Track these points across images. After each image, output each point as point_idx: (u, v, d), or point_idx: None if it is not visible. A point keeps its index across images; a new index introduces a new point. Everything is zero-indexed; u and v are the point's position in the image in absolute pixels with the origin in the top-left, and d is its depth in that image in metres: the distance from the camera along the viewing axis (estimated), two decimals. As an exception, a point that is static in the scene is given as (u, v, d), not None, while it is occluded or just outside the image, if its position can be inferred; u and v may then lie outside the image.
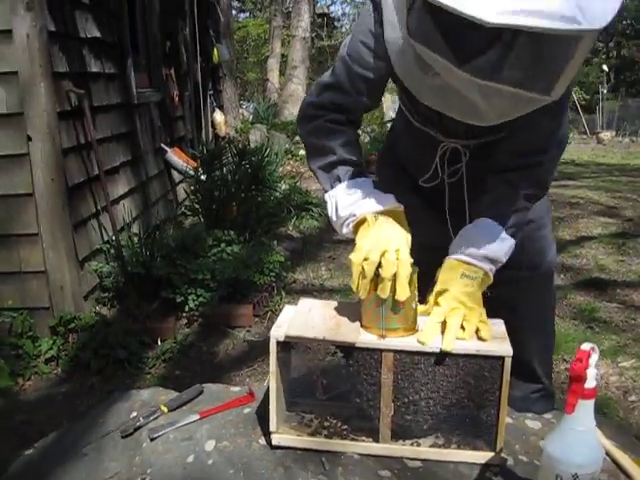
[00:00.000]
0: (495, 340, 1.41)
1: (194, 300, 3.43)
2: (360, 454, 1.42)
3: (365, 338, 1.39)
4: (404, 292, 1.34)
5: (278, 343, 1.42)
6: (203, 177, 4.78)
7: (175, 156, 5.69)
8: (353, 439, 1.44)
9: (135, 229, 4.28)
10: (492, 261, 1.48)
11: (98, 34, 4.03)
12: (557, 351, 3.02)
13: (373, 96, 1.59)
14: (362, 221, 1.45)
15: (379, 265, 1.34)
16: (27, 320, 3.27)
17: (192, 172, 5.08)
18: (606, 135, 14.16)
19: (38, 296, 3.34)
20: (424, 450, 1.41)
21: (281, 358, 1.44)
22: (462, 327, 1.39)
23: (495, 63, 1.15)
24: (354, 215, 1.46)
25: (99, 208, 3.83)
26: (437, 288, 1.45)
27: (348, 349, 1.40)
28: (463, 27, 1.08)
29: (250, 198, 4.56)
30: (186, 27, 6.77)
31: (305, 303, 1.60)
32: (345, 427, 1.47)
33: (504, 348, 1.36)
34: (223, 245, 3.81)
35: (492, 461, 1.37)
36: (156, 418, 1.63)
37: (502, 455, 1.38)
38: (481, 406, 1.39)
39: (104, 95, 4.14)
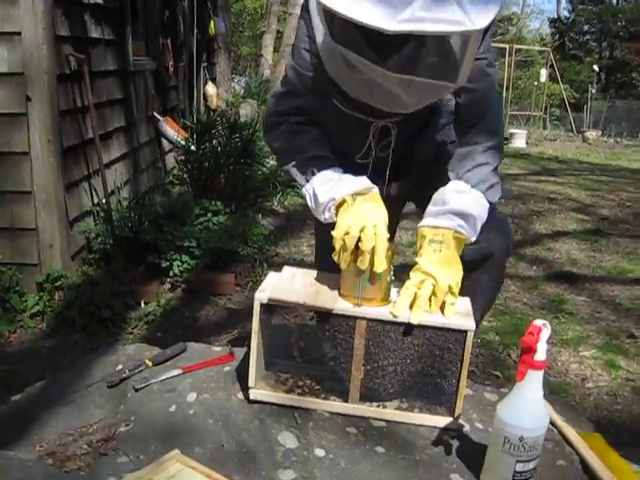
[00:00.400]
0: (460, 315, 1.54)
1: (179, 266, 3.53)
2: (330, 412, 1.55)
3: (342, 305, 1.51)
4: (381, 264, 1.45)
5: (261, 305, 1.54)
6: (193, 147, 4.86)
7: (167, 125, 5.76)
8: (325, 398, 1.57)
9: (124, 194, 4.36)
10: (460, 215, 1.54)
11: (100, 0, 4.09)
12: (513, 337, 3.17)
13: (323, 99, 1.74)
14: (341, 203, 1.56)
15: (359, 240, 1.47)
16: (15, 275, 3.36)
17: (183, 142, 5.16)
18: (592, 134, 14.31)
19: (27, 252, 3.42)
20: (389, 412, 1.54)
21: (263, 320, 1.56)
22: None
23: (409, 60, 1.34)
24: (333, 199, 1.56)
25: (91, 171, 3.92)
26: (417, 265, 1.54)
27: (325, 315, 1.52)
28: (376, 32, 1.24)
29: (238, 171, 4.65)
30: (185, -2, 6.81)
31: (288, 270, 1.72)
32: (318, 387, 1.59)
33: (468, 323, 1.49)
34: (209, 215, 3.91)
35: (450, 426, 1.50)
36: (141, 371, 1.74)
37: (460, 421, 1.51)
38: (443, 375, 1.52)
39: (102, 61, 4.21)
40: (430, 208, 1.59)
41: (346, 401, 1.55)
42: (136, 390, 1.65)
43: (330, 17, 1.35)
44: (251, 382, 1.56)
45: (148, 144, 5.42)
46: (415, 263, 1.55)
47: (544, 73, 16.91)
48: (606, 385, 2.81)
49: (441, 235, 1.54)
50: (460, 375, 1.49)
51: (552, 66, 17.10)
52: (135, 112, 4.99)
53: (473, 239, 1.58)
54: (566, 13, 29.11)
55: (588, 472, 1.42)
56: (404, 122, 1.79)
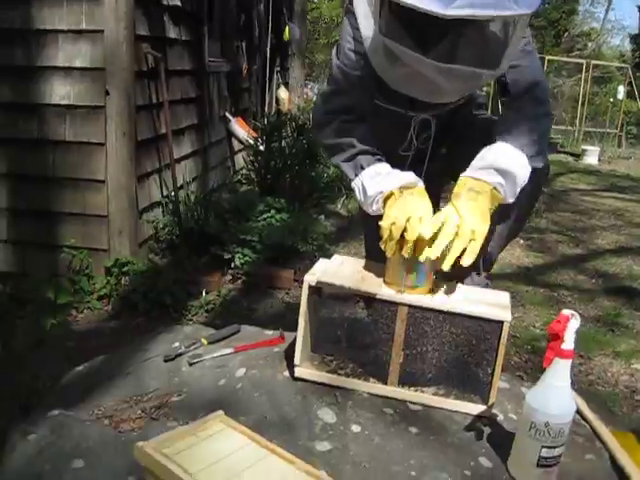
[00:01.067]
0: (498, 306, 1.60)
1: (240, 259, 3.67)
2: (369, 393, 1.63)
3: (385, 292, 1.60)
4: (423, 252, 1.53)
5: (310, 287, 1.64)
6: (262, 147, 5.00)
7: (237, 125, 5.93)
8: (365, 380, 1.65)
9: (193, 189, 4.53)
10: (502, 174, 1.59)
11: (178, 2, 4.28)
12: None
13: (368, 94, 1.83)
14: (389, 195, 1.66)
15: (404, 230, 1.55)
16: (86, 259, 3.56)
17: (252, 142, 5.31)
18: (670, 153, 13.90)
19: (98, 238, 3.62)
20: (426, 396, 1.61)
21: (311, 302, 1.65)
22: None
23: (451, 49, 1.42)
24: (381, 192, 1.67)
25: (162, 165, 4.10)
26: (449, 205, 1.59)
27: (369, 300, 1.61)
28: (423, 22, 1.35)
29: (304, 172, 4.77)
30: (261, 3, 6.98)
31: (338, 258, 1.82)
32: (360, 370, 1.68)
33: (504, 314, 1.55)
34: (273, 212, 4.04)
35: (484, 414, 1.56)
36: (196, 348, 1.86)
37: (493, 411, 1.57)
38: (479, 364, 1.58)
39: (178, 60, 4.39)
40: (475, 162, 1.63)
41: (385, 384, 1.63)
42: (190, 365, 1.76)
43: (379, 8, 1.45)
44: (297, 360, 1.65)
45: (219, 143, 5.60)
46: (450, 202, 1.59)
47: (621, 90, 16.53)
48: (656, 398, 2.80)
49: (480, 187, 1.58)
50: (495, 365, 1.55)
51: (630, 83, 16.71)
52: (208, 111, 5.17)
53: (510, 200, 1.62)
54: (649, 28, 28.29)
55: (617, 468, 1.45)
56: (443, 114, 1.88)
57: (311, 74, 18.93)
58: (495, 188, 1.59)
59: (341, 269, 1.73)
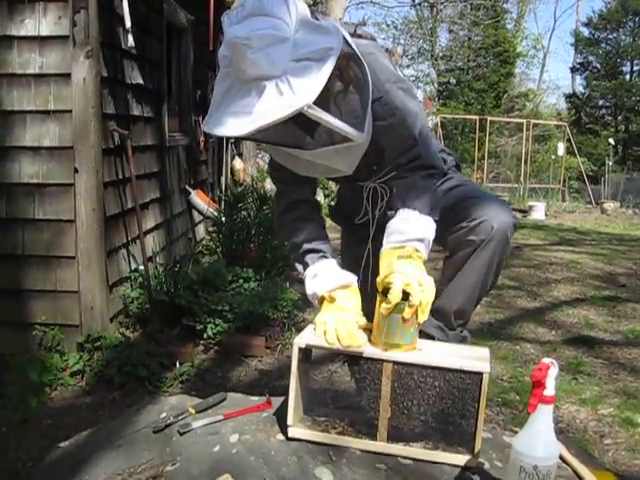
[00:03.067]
0: (477, 359, 1.71)
1: (212, 329, 3.71)
2: (361, 450, 1.70)
3: (371, 350, 1.69)
4: (425, 317, 1.68)
5: (300, 349, 1.72)
6: (224, 219, 5.10)
7: (198, 197, 6.04)
8: (357, 437, 1.72)
9: (159, 261, 4.59)
10: (418, 240, 1.78)
11: (141, 81, 4.42)
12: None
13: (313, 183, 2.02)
14: (321, 299, 1.83)
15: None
16: (57, 335, 3.56)
17: (214, 213, 5.42)
18: (610, 206, 14.46)
19: (69, 314, 3.63)
20: (415, 451, 1.69)
21: (300, 365, 1.74)
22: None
23: (297, 139, 1.57)
24: (315, 294, 1.84)
25: (130, 239, 4.16)
26: (382, 275, 1.72)
27: (356, 359, 1.70)
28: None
29: (268, 241, 4.87)
30: (215, 77, 7.18)
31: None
32: (350, 429, 1.75)
33: (483, 366, 1.66)
34: (241, 281, 4.12)
35: (470, 463, 1.65)
36: (184, 418, 1.90)
37: (480, 460, 1.66)
38: (463, 415, 1.68)
39: (142, 136, 4.51)
40: (390, 238, 1.82)
41: (375, 439, 1.70)
42: (181, 434, 1.80)
43: None
44: (290, 420, 1.72)
45: (180, 215, 5.69)
46: (389, 273, 1.69)
47: (561, 147, 17.20)
48: (624, 442, 2.91)
49: (406, 252, 1.74)
50: (477, 415, 1.65)
51: (569, 140, 17.42)
52: (169, 184, 5.27)
53: (426, 258, 1.78)
54: (581, 89, 29.67)
55: (602, 507, 1.55)
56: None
57: (260, 144, 19.21)
58: (416, 249, 1.75)
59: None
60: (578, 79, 30.26)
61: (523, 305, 5.20)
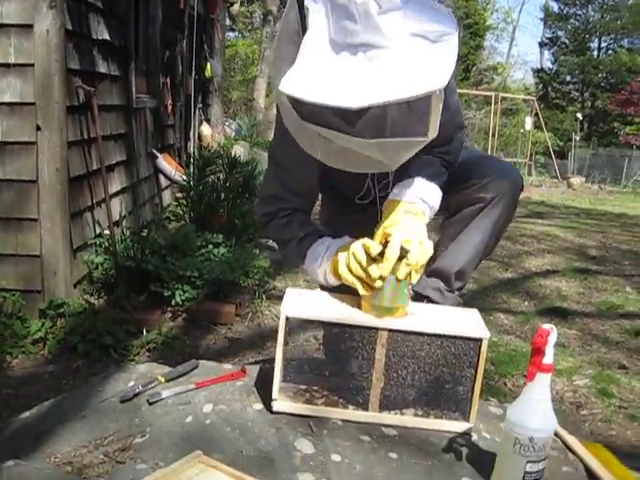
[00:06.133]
0: (474, 324, 1.63)
1: (181, 295, 3.59)
2: (343, 420, 1.61)
3: (364, 318, 1.60)
4: (417, 278, 1.60)
5: (287, 319, 1.62)
6: (192, 183, 4.95)
7: (165, 162, 5.87)
8: (344, 407, 1.63)
9: (125, 226, 4.43)
10: (426, 203, 1.73)
11: (107, 37, 4.22)
12: (517, 368, 3.25)
13: (309, 191, 1.89)
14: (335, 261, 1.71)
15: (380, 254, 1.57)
16: (18, 301, 3.40)
17: (181, 178, 5.26)
18: (576, 180, 14.59)
19: (31, 279, 3.47)
20: (407, 419, 1.61)
21: (287, 334, 1.63)
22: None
23: (375, 124, 1.40)
24: (325, 271, 1.75)
25: (95, 202, 4.00)
26: (385, 223, 1.66)
27: (348, 328, 1.60)
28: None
29: (238, 206, 4.75)
30: (184, 39, 6.98)
31: (303, 291, 1.81)
32: (336, 398, 1.66)
33: (482, 332, 1.58)
34: (211, 247, 3.99)
35: (466, 430, 1.58)
36: (154, 387, 1.79)
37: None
38: (459, 382, 1.60)
39: (108, 95, 4.32)
40: (404, 190, 1.75)
41: (366, 410, 1.62)
42: (150, 404, 1.69)
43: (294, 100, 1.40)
44: (275, 394, 1.62)
45: (147, 179, 5.52)
46: (392, 224, 1.65)
47: (529, 121, 17.28)
48: (600, 412, 2.88)
49: (414, 209, 1.70)
50: (475, 380, 1.57)
51: (537, 114, 17.48)
52: (136, 147, 5.09)
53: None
54: (549, 64, 29.83)
55: (593, 478, 1.49)
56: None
57: (228, 111, 18.97)
58: (423, 212, 1.71)
59: (312, 300, 1.73)
60: (546, 54, 30.44)
61: (495, 276, 5.16)
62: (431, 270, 1.92)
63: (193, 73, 7.34)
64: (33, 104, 3.33)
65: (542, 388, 1.35)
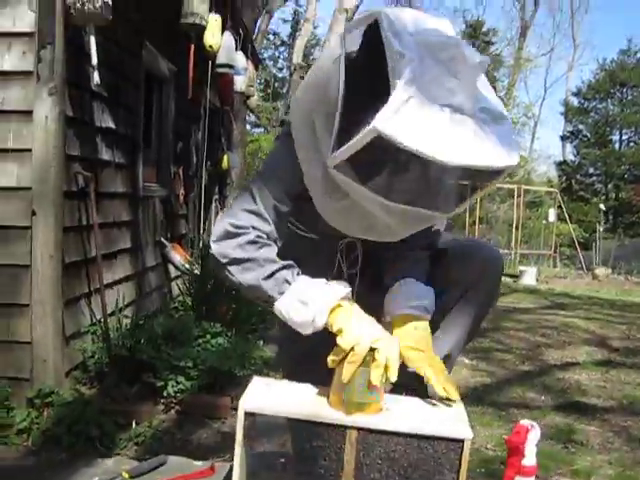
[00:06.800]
0: (455, 422, 1.47)
1: (174, 386, 3.43)
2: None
3: (331, 414, 1.44)
4: (395, 374, 1.46)
5: (246, 413, 1.47)
6: (197, 271, 4.86)
7: (174, 252, 5.81)
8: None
9: (127, 314, 4.31)
10: (428, 311, 1.71)
11: (112, 125, 4.24)
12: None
13: (281, 229, 1.71)
14: (336, 307, 1.53)
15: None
16: (5, 389, 3.27)
17: (187, 266, 5.18)
18: (602, 271, 14.33)
19: (20, 367, 3.34)
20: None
21: (247, 431, 1.48)
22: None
23: (417, 193, 1.40)
24: (329, 303, 1.53)
25: (92, 289, 3.91)
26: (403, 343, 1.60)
27: (314, 425, 1.45)
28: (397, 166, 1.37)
29: (241, 296, 4.63)
30: (199, 131, 7.06)
31: (268, 380, 1.66)
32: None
33: (464, 431, 1.41)
34: (209, 337, 3.86)
35: None
36: (117, 483, 1.65)
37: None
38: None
39: (111, 183, 4.30)
40: (405, 300, 1.70)
41: (335, 517, 1.44)
42: None
43: (356, 148, 1.34)
44: (234, 496, 1.47)
45: (154, 269, 5.45)
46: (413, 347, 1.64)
47: (552, 213, 17.23)
48: (621, 518, 2.63)
49: (423, 325, 1.68)
50: (458, 487, 1.41)
51: (560, 207, 17.44)
52: (142, 236, 5.05)
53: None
54: (571, 157, 30.04)
55: None
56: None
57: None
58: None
59: (278, 391, 1.58)
60: (568, 147, 30.75)
61: (511, 369, 4.93)
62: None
63: (207, 164, 7.37)
64: (29, 189, 3.29)
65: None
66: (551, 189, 21.40)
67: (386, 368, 1.44)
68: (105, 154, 4.16)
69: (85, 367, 3.70)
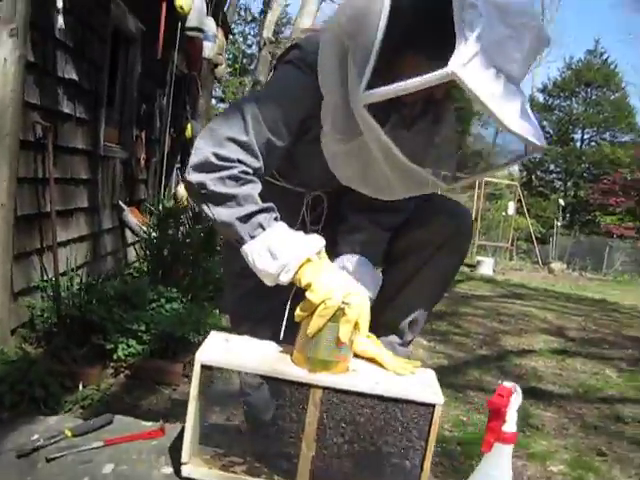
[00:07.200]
0: (426, 387, 1.38)
1: (124, 350, 3.29)
2: (270, 494, 1.35)
3: (295, 371, 1.34)
4: (366, 330, 1.37)
5: (202, 367, 1.36)
6: (154, 234, 4.70)
7: (131, 215, 5.64)
8: (268, 478, 1.37)
9: (80, 276, 4.15)
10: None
11: (75, 77, 4.05)
12: (478, 448, 2.97)
13: (270, 166, 1.57)
14: (306, 262, 1.42)
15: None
16: (-56, 344, 3.11)
17: (144, 230, 5.02)
18: (557, 266, 14.53)
19: (-39, 320, 3.18)
20: (341, 498, 1.34)
21: (202, 387, 1.37)
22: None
23: (430, 155, 1.38)
24: (298, 258, 1.41)
25: (45, 246, 3.74)
26: None
27: (275, 382, 1.35)
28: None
29: (199, 262, 4.50)
30: (164, 96, 6.86)
31: (231, 336, 1.55)
32: (260, 467, 1.40)
33: (435, 396, 1.33)
34: (163, 301, 3.72)
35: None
36: (58, 442, 1.54)
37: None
38: (405, 455, 1.34)
39: (71, 137, 4.12)
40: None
41: (293, 482, 1.35)
42: (47, 460, 1.45)
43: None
44: (185, 457, 1.37)
45: (110, 232, 5.28)
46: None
47: (512, 206, 17.38)
48: (576, 503, 2.60)
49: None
50: (425, 454, 1.32)
51: (519, 200, 17.59)
52: (100, 197, 4.88)
53: None
54: (534, 153, 30.40)
55: None
56: (336, 193, 1.72)
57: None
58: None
59: (237, 346, 1.47)
60: (531, 142, 31.02)
61: (469, 352, 4.91)
62: (381, 324, 1.66)
63: (170, 130, 7.18)
64: (-18, 134, 3.12)
65: (501, 463, 1.11)
66: (512, 182, 21.59)
67: (356, 325, 1.35)
68: (66, 107, 3.98)
69: (33, 326, 3.54)
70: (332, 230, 1.75)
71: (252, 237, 1.44)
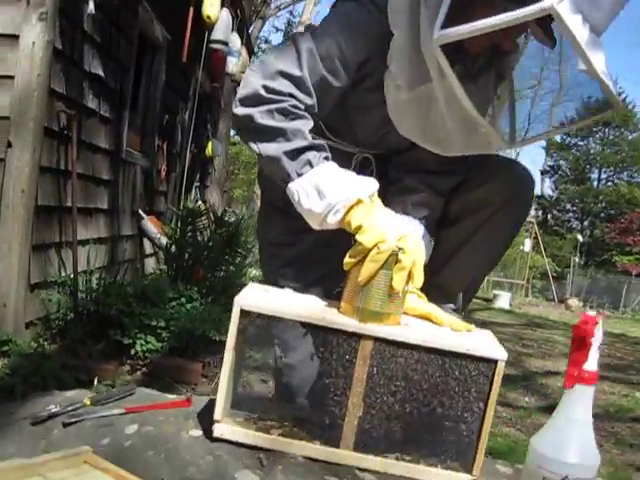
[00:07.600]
0: (485, 342, 1.27)
1: (142, 345, 3.19)
2: (305, 457, 1.22)
3: (344, 320, 1.23)
4: (421, 279, 1.25)
5: (242, 312, 1.24)
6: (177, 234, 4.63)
7: (150, 223, 5.56)
8: (309, 441, 1.24)
9: (95, 277, 4.05)
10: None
11: (101, 73, 4.01)
12: (509, 457, 2.83)
13: (323, 107, 1.47)
14: (356, 203, 1.31)
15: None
16: (-43, 331, 3.01)
17: (164, 240, 4.95)
18: (574, 302, 14.38)
19: (-23, 308, 3.09)
20: (389, 462, 1.22)
21: (240, 337, 1.26)
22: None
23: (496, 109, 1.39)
24: (348, 199, 1.31)
25: (63, 241, 3.65)
26: None
27: (321, 332, 1.23)
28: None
29: (220, 265, 4.41)
30: (186, 110, 6.83)
31: (271, 287, 1.45)
32: (299, 430, 1.27)
33: (498, 352, 1.22)
34: (183, 300, 3.62)
35: (468, 484, 1.19)
36: (76, 409, 1.42)
37: (477, 481, 1.20)
38: (462, 418, 1.22)
39: (94, 134, 4.07)
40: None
41: (337, 447, 1.22)
42: (64, 426, 1.33)
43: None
44: (217, 414, 1.24)
45: (129, 239, 5.20)
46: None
47: (528, 243, 17.32)
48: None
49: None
50: (484, 418, 1.20)
51: (536, 237, 17.53)
52: (120, 200, 4.80)
53: None
54: (550, 191, 30.39)
55: None
56: (384, 156, 1.65)
57: (229, 206, 18.94)
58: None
59: (278, 296, 1.36)
60: (547, 182, 31.10)
61: (493, 372, 4.78)
62: (434, 286, 1.54)
63: (191, 146, 7.13)
64: (7, 118, 3.06)
65: (583, 405, 0.99)
66: (528, 220, 21.60)
67: (410, 273, 1.23)
68: (91, 102, 3.92)
69: (48, 321, 3.44)
70: (379, 195, 1.65)
71: (299, 175, 1.33)
